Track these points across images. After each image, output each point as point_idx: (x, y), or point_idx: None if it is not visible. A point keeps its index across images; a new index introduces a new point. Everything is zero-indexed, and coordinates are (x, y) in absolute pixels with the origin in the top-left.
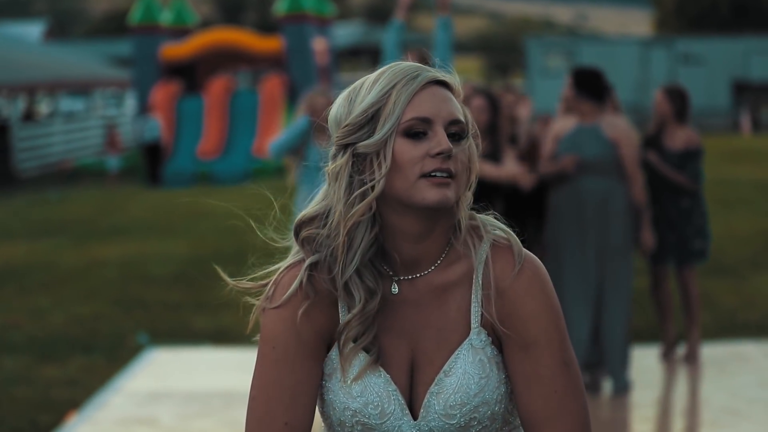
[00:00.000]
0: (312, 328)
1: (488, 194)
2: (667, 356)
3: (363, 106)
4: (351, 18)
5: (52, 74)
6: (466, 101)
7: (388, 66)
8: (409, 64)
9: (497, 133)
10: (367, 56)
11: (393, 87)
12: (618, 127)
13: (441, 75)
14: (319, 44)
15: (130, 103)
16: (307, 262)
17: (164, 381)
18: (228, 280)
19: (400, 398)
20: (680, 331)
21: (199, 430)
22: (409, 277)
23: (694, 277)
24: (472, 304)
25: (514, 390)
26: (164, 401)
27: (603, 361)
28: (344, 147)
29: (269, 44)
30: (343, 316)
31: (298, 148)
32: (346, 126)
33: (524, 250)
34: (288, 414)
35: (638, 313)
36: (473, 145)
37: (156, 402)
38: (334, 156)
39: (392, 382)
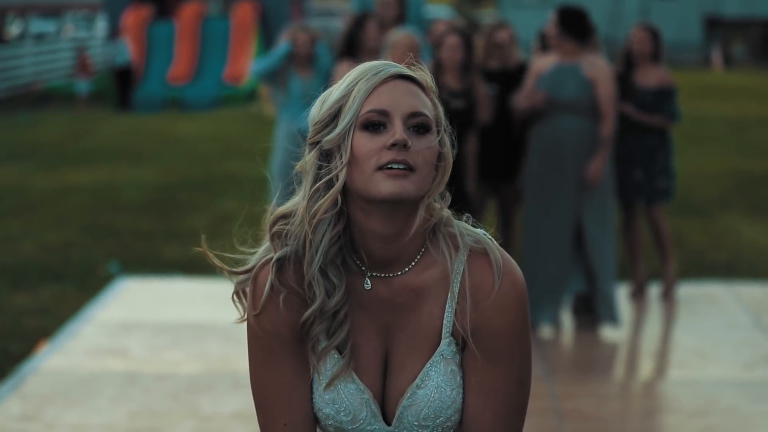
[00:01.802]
0: (289, 327)
1: (462, 131)
2: (636, 296)
3: (328, 104)
4: None
5: None
6: (440, 39)
7: (359, 66)
8: (378, 62)
9: (471, 70)
10: None
11: (356, 83)
12: (597, 67)
13: (406, 70)
14: None
15: (101, 26)
16: (274, 258)
17: (135, 311)
18: (216, 262)
19: (372, 406)
20: (651, 271)
21: (170, 362)
22: (383, 275)
23: (663, 215)
24: (446, 313)
25: (465, 397)
26: (135, 332)
27: (593, 294)
28: (312, 145)
29: None
30: None
31: (279, 72)
32: (315, 124)
33: (501, 259)
34: (285, 414)
35: None
36: (446, 141)
37: (126, 332)
38: (305, 155)
39: (365, 390)
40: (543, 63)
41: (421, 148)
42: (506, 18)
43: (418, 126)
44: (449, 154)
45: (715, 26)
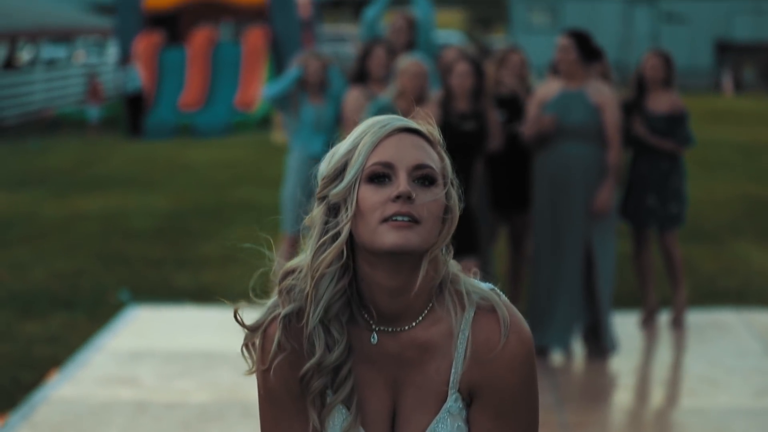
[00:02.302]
0: (296, 382)
1: (468, 157)
2: (647, 323)
3: (335, 159)
4: None
5: (34, 21)
6: (450, 66)
7: (365, 121)
8: (385, 116)
9: (481, 97)
10: (350, 8)
11: (362, 137)
12: (603, 93)
13: (412, 124)
14: None
15: (112, 51)
16: (282, 314)
17: (145, 339)
18: (235, 313)
19: None
20: (661, 298)
21: (180, 390)
22: (390, 329)
23: (676, 241)
24: (453, 369)
25: None
26: (145, 360)
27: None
28: (320, 200)
29: None
30: None
31: (291, 98)
32: (322, 179)
33: (508, 316)
34: None
35: (619, 279)
36: (453, 194)
37: (137, 361)
38: (313, 210)
39: None
40: (546, 89)
41: (426, 200)
42: (517, 43)
43: (423, 178)
44: (456, 206)
45: (726, 51)
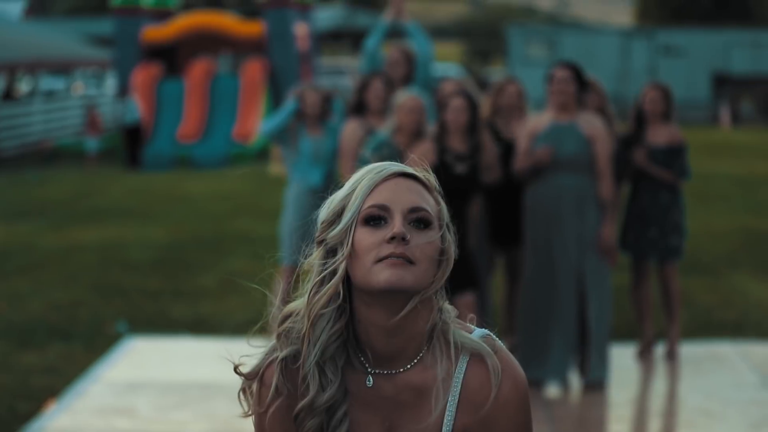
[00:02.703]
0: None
1: (462, 200)
2: (644, 355)
3: (334, 203)
4: (332, 1)
5: (33, 53)
6: (445, 100)
7: (363, 168)
8: (382, 162)
9: (476, 132)
10: (348, 40)
11: (360, 182)
12: (595, 125)
13: (409, 169)
14: (300, 30)
15: (111, 83)
16: (279, 357)
17: (142, 370)
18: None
19: None
20: (658, 330)
21: (177, 422)
22: (386, 372)
23: (675, 274)
24: (446, 414)
25: None
26: (142, 391)
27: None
28: (319, 244)
29: (251, 28)
30: None
31: (289, 131)
32: (321, 224)
33: (501, 362)
34: None
35: (616, 311)
36: (448, 237)
37: (134, 392)
38: (312, 254)
39: None
40: (537, 122)
41: (420, 242)
42: (515, 75)
43: (419, 221)
44: (451, 249)
45: (723, 84)
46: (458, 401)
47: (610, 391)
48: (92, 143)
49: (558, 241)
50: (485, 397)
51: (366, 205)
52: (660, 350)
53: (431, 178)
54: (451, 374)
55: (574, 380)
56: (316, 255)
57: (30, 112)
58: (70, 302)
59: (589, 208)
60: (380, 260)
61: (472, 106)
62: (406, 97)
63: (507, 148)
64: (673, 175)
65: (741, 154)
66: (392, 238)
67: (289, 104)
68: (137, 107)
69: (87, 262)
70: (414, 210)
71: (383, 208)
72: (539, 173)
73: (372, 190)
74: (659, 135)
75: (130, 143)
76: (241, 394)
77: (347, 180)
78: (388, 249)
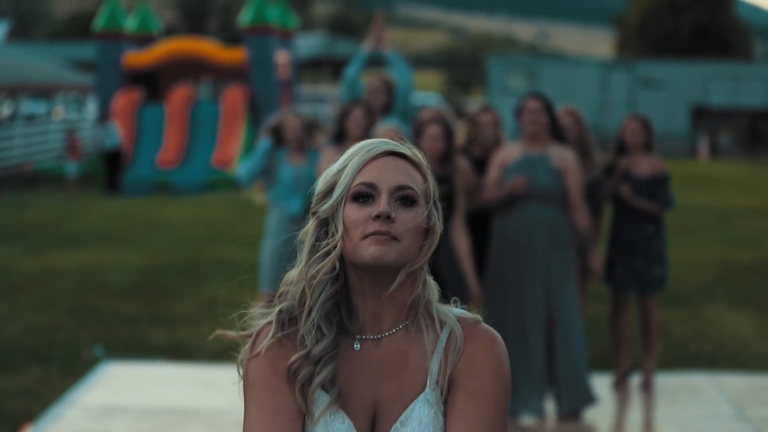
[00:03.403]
0: (284, 373)
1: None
2: (620, 385)
3: (327, 178)
4: (313, 29)
5: (14, 76)
6: (421, 128)
7: (358, 143)
8: (374, 140)
9: (451, 160)
10: (329, 68)
11: (351, 158)
12: (566, 157)
13: (399, 147)
14: (281, 57)
15: (91, 108)
16: (277, 308)
17: (119, 395)
18: (219, 332)
19: None
20: (634, 361)
21: None
22: (372, 337)
23: (656, 306)
24: (431, 366)
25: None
26: (118, 416)
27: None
28: (313, 215)
29: (232, 55)
30: None
31: (266, 169)
32: (316, 196)
33: (479, 329)
34: None
35: (593, 341)
36: (434, 215)
37: (110, 417)
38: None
39: (354, 430)
40: (506, 153)
41: (405, 219)
42: (494, 105)
43: (404, 198)
44: (437, 226)
45: (702, 116)
46: (443, 353)
47: (586, 421)
48: (72, 167)
49: (528, 273)
50: (470, 348)
51: (355, 183)
52: (636, 381)
53: (420, 156)
54: (434, 342)
55: (551, 409)
56: (310, 226)
57: (10, 136)
58: (48, 326)
59: (560, 241)
60: (366, 236)
61: (448, 134)
62: (385, 129)
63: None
64: (658, 207)
65: (719, 186)
66: (377, 216)
67: (262, 144)
68: (117, 132)
69: (65, 286)
70: (400, 188)
71: (371, 185)
72: (510, 205)
73: (361, 168)
74: (642, 166)
75: (110, 168)
76: (240, 366)
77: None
78: (373, 226)
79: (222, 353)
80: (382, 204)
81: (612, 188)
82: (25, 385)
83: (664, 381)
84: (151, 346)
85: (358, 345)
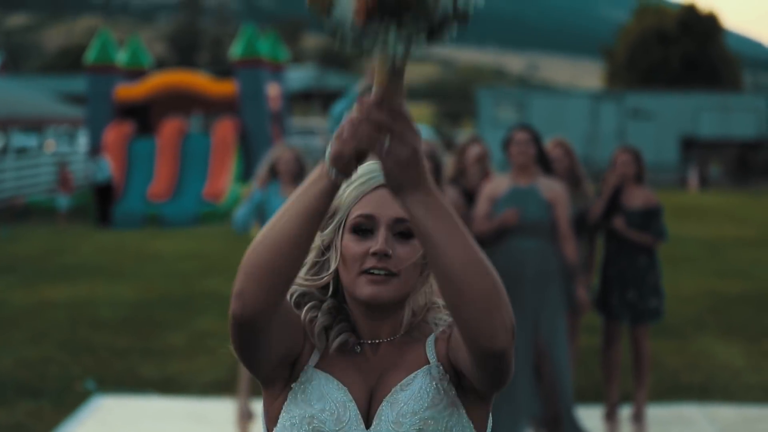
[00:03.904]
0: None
1: None
2: (610, 417)
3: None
4: (304, 62)
5: (5, 109)
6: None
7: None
8: (374, 164)
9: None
10: (319, 100)
11: (350, 185)
12: (554, 189)
13: None
14: (272, 90)
15: (83, 141)
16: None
17: (110, 429)
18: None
19: (356, 409)
20: (624, 392)
21: None
22: (370, 342)
23: (647, 337)
24: (428, 350)
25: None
26: None
27: (558, 415)
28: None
29: (223, 88)
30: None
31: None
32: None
33: None
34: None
35: (584, 372)
36: None
37: None
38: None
39: (351, 398)
40: (495, 185)
41: (403, 253)
42: (484, 136)
43: (403, 233)
44: None
45: (692, 147)
46: (437, 339)
47: None
48: (63, 200)
49: (518, 303)
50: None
51: (354, 215)
52: (627, 412)
53: None
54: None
55: None
56: (317, 242)
57: (2, 169)
58: (39, 359)
59: (550, 272)
60: (364, 272)
61: (436, 167)
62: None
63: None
64: (652, 239)
65: (709, 217)
66: (375, 254)
67: (254, 196)
68: (108, 165)
69: (57, 319)
70: (398, 221)
71: (369, 218)
72: (499, 237)
73: (360, 199)
74: (634, 198)
75: (101, 201)
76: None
77: None
78: (371, 262)
79: (214, 386)
80: (380, 241)
81: (598, 216)
82: (16, 418)
83: (655, 412)
84: (143, 379)
85: (359, 348)
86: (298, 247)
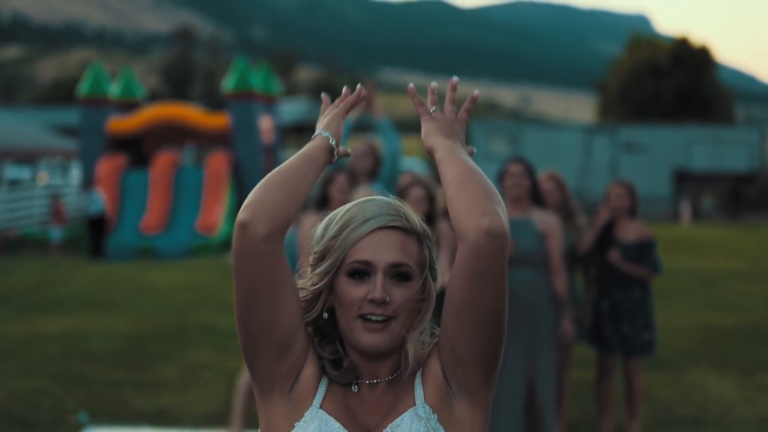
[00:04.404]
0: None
1: None
2: None
3: (324, 240)
4: (297, 94)
5: None
6: (405, 191)
7: (356, 202)
8: (372, 204)
9: (433, 223)
10: (312, 133)
11: (346, 227)
12: (548, 221)
13: (393, 221)
14: (265, 123)
15: (75, 173)
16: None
17: None
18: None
19: None
20: (618, 425)
21: None
22: (367, 381)
23: (640, 370)
24: (416, 390)
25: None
26: None
27: None
28: (311, 267)
29: (216, 121)
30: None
31: None
32: (315, 252)
33: None
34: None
35: (577, 406)
36: (430, 283)
37: None
38: (310, 266)
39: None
40: None
41: (399, 296)
42: None
43: (400, 275)
44: (432, 293)
45: (684, 180)
46: (423, 374)
47: None
48: (56, 233)
49: (511, 334)
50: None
51: (351, 259)
52: None
53: (414, 221)
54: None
55: None
56: (308, 280)
57: None
58: (32, 391)
59: (542, 303)
60: (361, 317)
61: (430, 197)
62: (365, 193)
63: None
64: (647, 272)
65: (701, 249)
66: (371, 300)
67: None
68: (101, 198)
69: (49, 351)
70: (395, 265)
71: (366, 263)
72: None
73: (355, 243)
74: (628, 231)
75: (94, 233)
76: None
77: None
78: (368, 308)
79: (207, 419)
80: (377, 288)
81: (588, 248)
82: None
83: None
84: (135, 412)
85: (356, 388)
86: (305, 179)
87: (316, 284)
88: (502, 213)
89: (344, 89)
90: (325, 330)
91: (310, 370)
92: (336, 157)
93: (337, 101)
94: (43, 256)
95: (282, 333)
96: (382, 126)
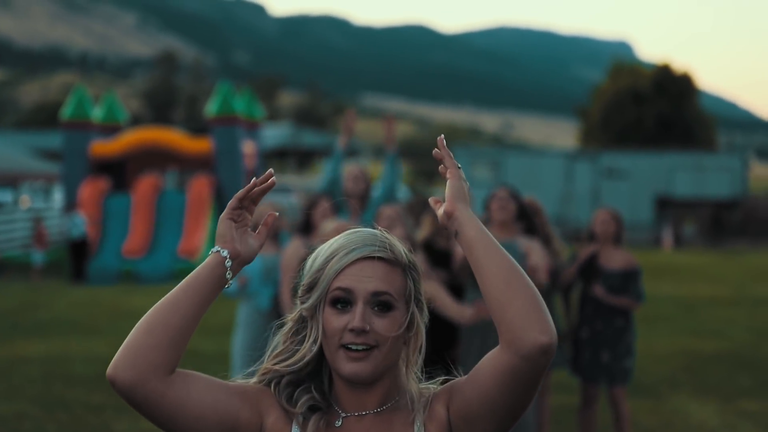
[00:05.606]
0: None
1: None
2: None
3: (311, 272)
4: (279, 119)
5: None
6: (380, 214)
7: (343, 234)
8: (357, 236)
9: (414, 250)
10: (294, 158)
11: (332, 258)
12: (531, 246)
13: (377, 252)
14: (247, 147)
15: (58, 197)
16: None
17: None
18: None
19: None
20: None
21: None
22: (356, 414)
23: (624, 397)
24: (415, 425)
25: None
26: None
27: None
28: (299, 300)
29: (198, 145)
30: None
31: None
32: (302, 286)
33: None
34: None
35: (558, 431)
36: (416, 315)
37: None
38: (298, 299)
39: None
40: None
41: (381, 327)
42: None
43: (381, 304)
44: (419, 325)
45: (666, 206)
46: (424, 413)
47: None
48: (38, 256)
49: None
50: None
51: (333, 287)
52: None
53: (399, 254)
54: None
55: None
56: (294, 315)
57: None
58: (14, 415)
59: None
60: (343, 346)
61: (409, 237)
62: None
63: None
64: (630, 300)
65: (683, 275)
66: (351, 330)
67: (232, 288)
68: (84, 221)
69: (30, 375)
70: (376, 294)
71: (348, 291)
72: (478, 289)
73: (339, 273)
74: (613, 259)
75: (76, 257)
76: None
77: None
78: (349, 337)
79: None
80: (357, 317)
81: (570, 279)
82: None
83: None
84: None
85: (340, 422)
86: (177, 314)
87: (305, 316)
88: (552, 325)
89: (252, 180)
90: (302, 378)
91: (273, 416)
92: (231, 273)
93: (244, 190)
94: (24, 279)
95: (217, 424)
96: (389, 158)
